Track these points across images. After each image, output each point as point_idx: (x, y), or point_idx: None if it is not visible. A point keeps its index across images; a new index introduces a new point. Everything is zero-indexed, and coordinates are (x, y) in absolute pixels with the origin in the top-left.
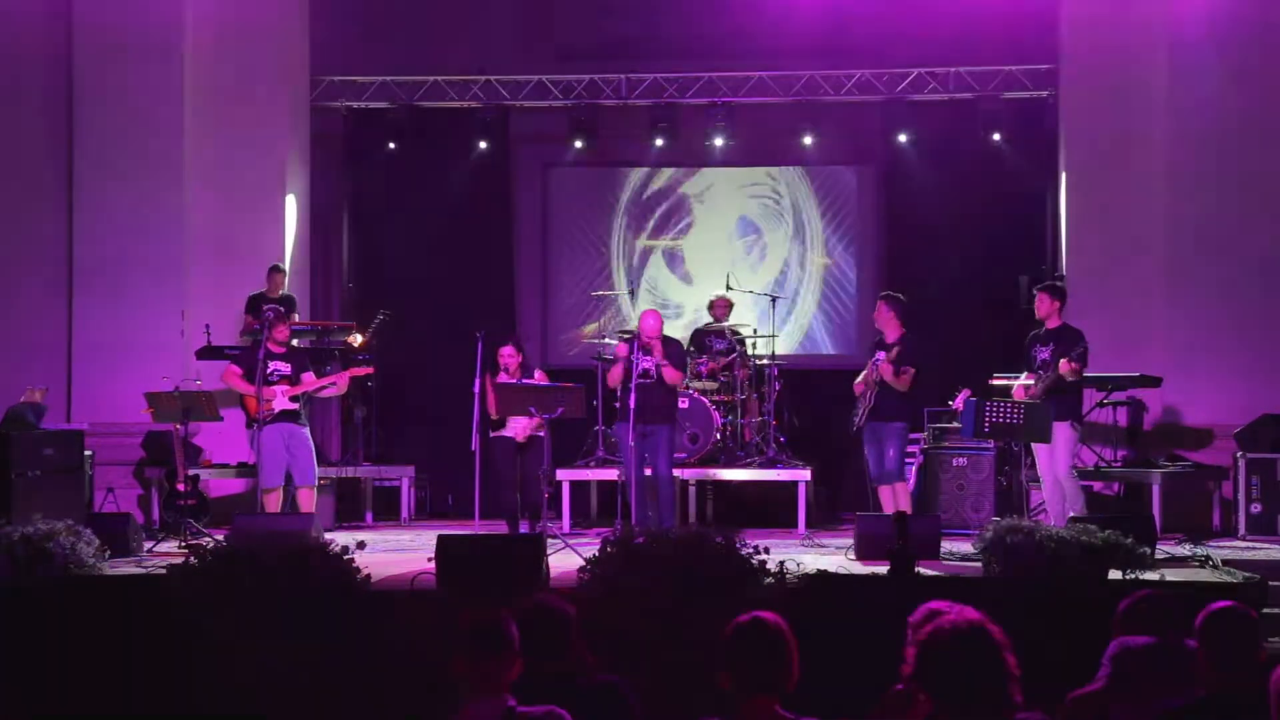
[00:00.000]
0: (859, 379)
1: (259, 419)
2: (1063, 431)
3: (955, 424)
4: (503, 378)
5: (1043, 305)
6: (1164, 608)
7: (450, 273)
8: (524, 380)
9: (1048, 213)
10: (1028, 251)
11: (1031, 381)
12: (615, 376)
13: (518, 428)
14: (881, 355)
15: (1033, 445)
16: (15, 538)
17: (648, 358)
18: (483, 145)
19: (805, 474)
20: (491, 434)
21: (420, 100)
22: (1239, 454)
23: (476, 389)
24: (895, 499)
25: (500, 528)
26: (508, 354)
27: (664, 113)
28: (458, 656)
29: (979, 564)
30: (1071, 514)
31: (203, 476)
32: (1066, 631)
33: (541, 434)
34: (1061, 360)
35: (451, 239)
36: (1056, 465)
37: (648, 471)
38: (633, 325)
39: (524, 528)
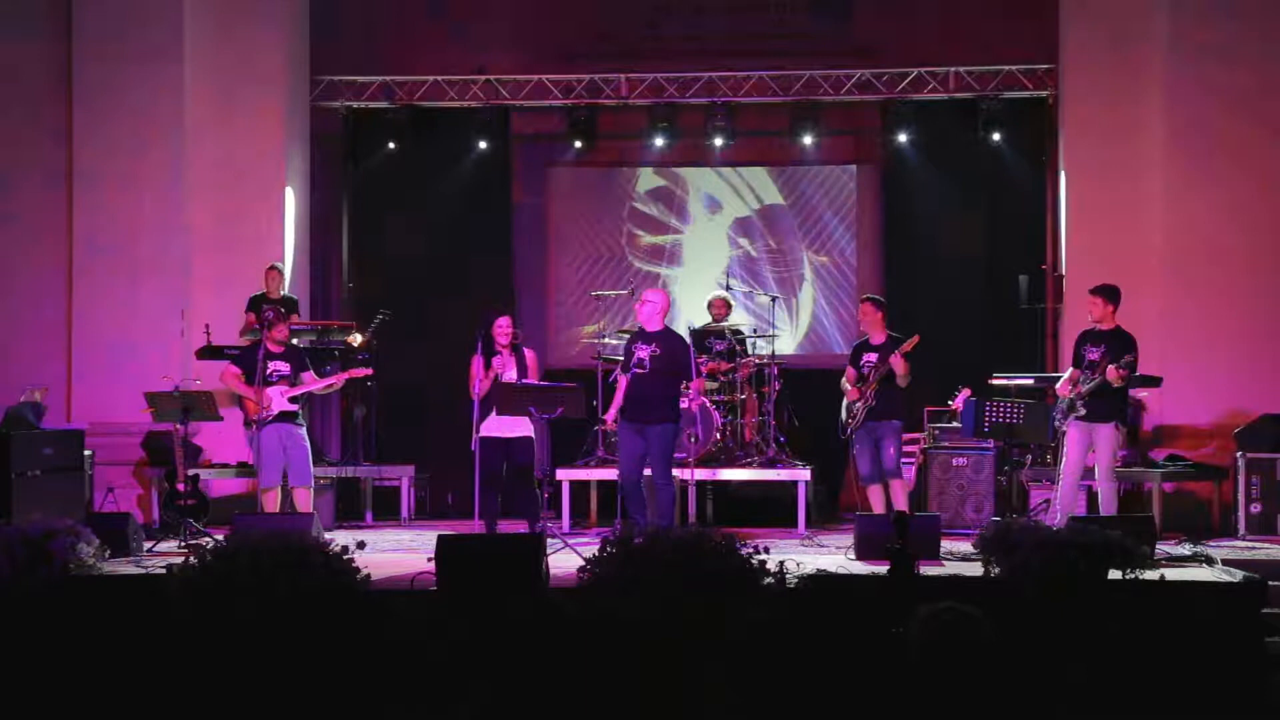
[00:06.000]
0: (848, 383)
1: (256, 420)
2: (1107, 431)
3: (955, 424)
4: (493, 364)
5: (1096, 308)
6: None
7: (450, 273)
8: (515, 361)
9: (1047, 212)
10: (1027, 251)
11: (1078, 378)
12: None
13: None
14: (872, 357)
15: (1065, 443)
16: (15, 538)
17: (645, 347)
18: (483, 145)
19: (805, 474)
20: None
21: (420, 100)
22: (1239, 454)
23: (476, 388)
24: (893, 496)
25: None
26: (504, 325)
27: (664, 113)
28: None
29: (979, 564)
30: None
31: (203, 476)
32: (1066, 632)
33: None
34: (1110, 366)
35: (451, 239)
36: (1098, 464)
37: (647, 472)
38: (632, 325)
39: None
